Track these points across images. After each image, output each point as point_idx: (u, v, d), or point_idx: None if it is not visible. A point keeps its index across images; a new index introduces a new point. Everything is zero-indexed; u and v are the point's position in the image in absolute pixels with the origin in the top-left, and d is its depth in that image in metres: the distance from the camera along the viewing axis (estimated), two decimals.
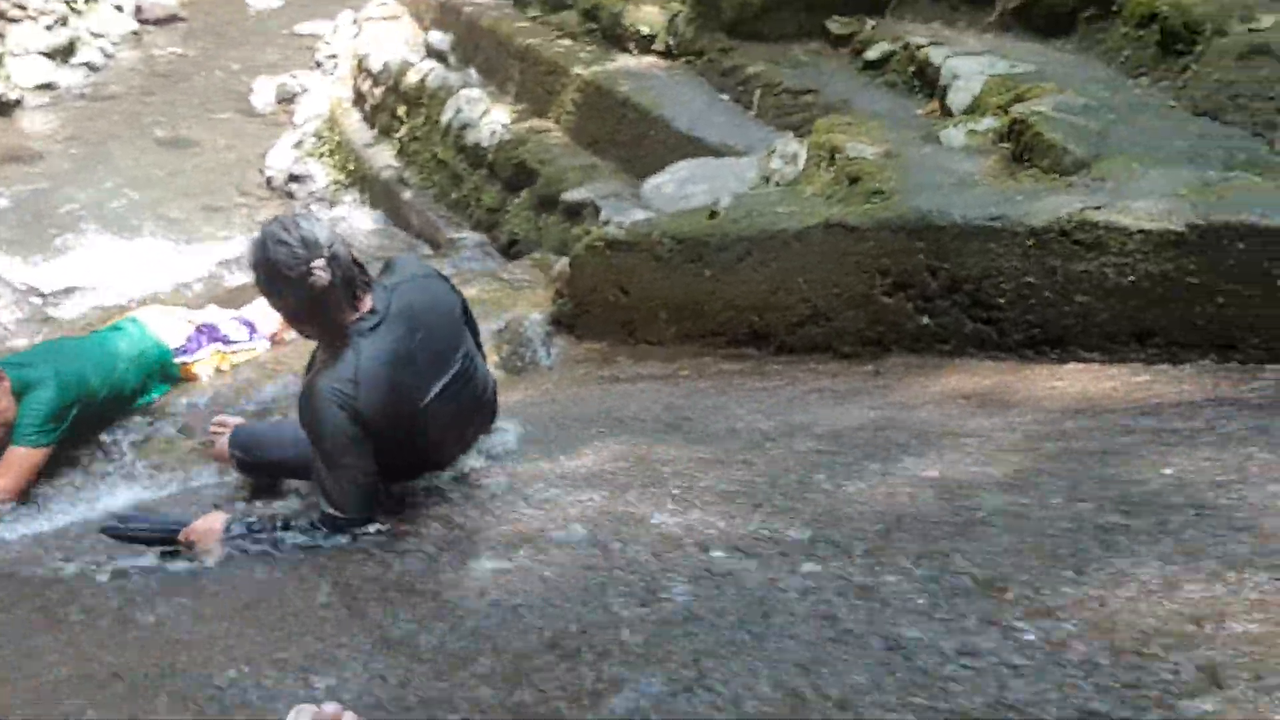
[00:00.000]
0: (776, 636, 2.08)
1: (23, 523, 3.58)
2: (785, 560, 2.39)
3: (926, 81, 5.37)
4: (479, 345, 3.34)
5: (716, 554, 2.48)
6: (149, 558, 3.02)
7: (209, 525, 3.01)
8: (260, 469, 3.55)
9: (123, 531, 3.08)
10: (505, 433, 3.39)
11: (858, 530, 2.47)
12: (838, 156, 4.42)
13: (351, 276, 2.91)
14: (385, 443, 2.93)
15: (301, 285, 2.83)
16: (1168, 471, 2.39)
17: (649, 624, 2.21)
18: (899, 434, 3.05)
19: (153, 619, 2.65)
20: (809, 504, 2.67)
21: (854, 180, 4.23)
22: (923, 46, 5.40)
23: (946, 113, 4.98)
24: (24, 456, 3.94)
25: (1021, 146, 4.02)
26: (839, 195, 4.22)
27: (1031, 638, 1.88)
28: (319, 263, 2.82)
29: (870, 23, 5.89)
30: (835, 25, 6.00)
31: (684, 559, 2.48)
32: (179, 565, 2.96)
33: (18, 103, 9.98)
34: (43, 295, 6.80)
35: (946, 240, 3.67)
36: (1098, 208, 3.38)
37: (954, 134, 4.52)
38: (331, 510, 2.92)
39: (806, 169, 4.63)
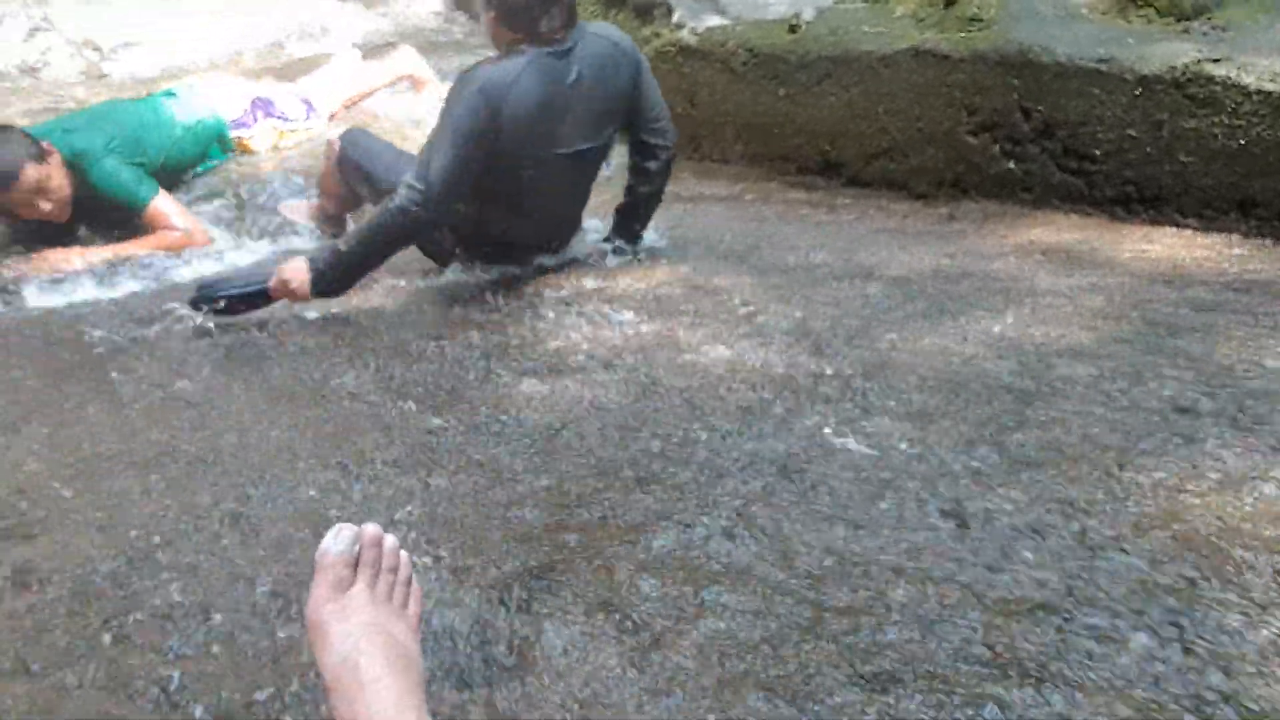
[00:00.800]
0: (828, 489, 2.02)
1: (82, 290, 3.53)
2: (842, 409, 2.31)
3: None
4: (651, 116, 3.29)
5: (769, 395, 2.40)
6: (206, 323, 3.02)
7: (294, 269, 3.00)
8: (355, 169, 3.56)
9: (213, 295, 3.04)
10: (579, 240, 3.35)
11: (921, 385, 2.38)
12: None
13: (574, 2, 2.97)
14: (493, 177, 2.95)
15: None
16: (1260, 358, 2.26)
17: (696, 461, 2.15)
18: (972, 286, 2.92)
19: (204, 398, 2.62)
20: (872, 352, 2.57)
21: (950, 3, 3.96)
22: None
23: None
24: (159, 205, 3.85)
25: None
26: (932, 19, 3.96)
27: (1098, 520, 1.80)
28: None
29: None
30: None
31: (737, 397, 2.41)
32: (236, 340, 2.96)
33: None
34: (99, 50, 6.61)
35: (1045, 79, 3.45)
36: (1216, 60, 3.14)
37: None
38: (413, 181, 2.91)
39: None
